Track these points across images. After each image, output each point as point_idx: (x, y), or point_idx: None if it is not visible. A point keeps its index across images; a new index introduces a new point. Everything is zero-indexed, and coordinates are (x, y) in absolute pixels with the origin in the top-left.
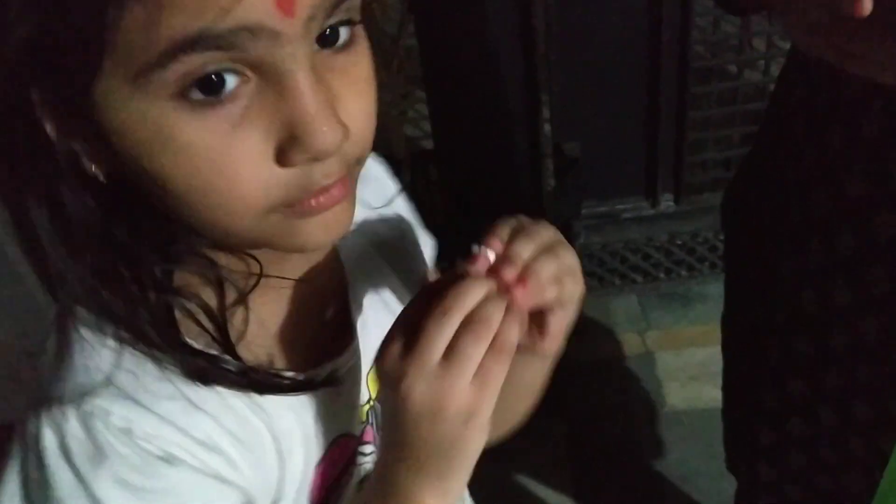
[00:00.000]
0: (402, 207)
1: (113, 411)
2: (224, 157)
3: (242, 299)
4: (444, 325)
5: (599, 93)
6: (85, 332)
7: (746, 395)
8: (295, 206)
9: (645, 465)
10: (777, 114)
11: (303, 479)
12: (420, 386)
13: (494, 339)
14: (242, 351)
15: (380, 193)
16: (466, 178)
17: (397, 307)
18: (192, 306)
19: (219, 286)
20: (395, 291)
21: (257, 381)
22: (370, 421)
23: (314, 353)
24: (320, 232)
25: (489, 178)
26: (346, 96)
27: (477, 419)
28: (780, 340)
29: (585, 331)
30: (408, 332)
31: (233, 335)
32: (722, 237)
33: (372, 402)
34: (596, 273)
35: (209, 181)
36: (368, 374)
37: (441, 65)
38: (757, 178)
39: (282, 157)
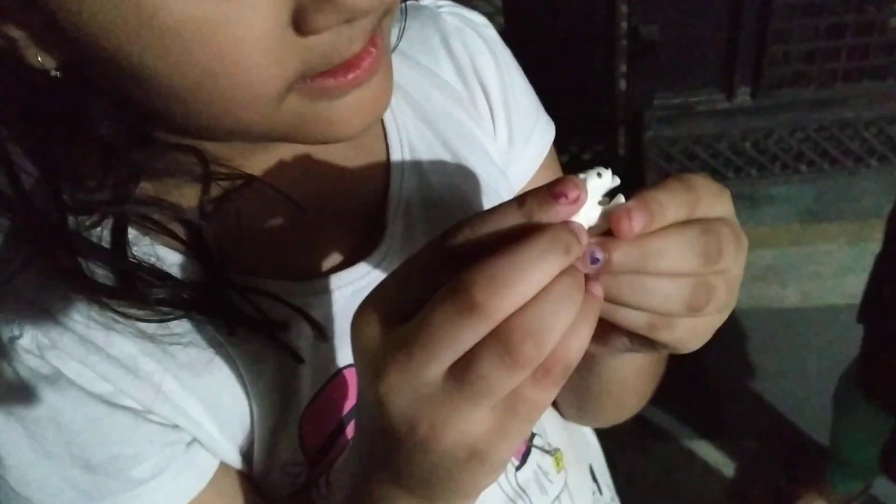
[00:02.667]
0: (513, 86)
1: (2, 312)
2: (223, 32)
3: (228, 195)
4: (464, 324)
5: None
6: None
7: None
8: (316, 79)
9: (705, 361)
10: None
11: (284, 418)
12: (404, 396)
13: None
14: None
15: (471, 58)
16: (535, 58)
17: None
18: (159, 215)
19: (203, 180)
20: (455, 191)
21: (219, 307)
22: None
23: (327, 259)
24: (354, 115)
25: (559, 59)
26: None
27: (488, 459)
28: None
29: None
30: (413, 295)
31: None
32: (798, 135)
33: None
34: (662, 169)
35: (206, 68)
36: None
37: None
38: None
39: (302, 21)
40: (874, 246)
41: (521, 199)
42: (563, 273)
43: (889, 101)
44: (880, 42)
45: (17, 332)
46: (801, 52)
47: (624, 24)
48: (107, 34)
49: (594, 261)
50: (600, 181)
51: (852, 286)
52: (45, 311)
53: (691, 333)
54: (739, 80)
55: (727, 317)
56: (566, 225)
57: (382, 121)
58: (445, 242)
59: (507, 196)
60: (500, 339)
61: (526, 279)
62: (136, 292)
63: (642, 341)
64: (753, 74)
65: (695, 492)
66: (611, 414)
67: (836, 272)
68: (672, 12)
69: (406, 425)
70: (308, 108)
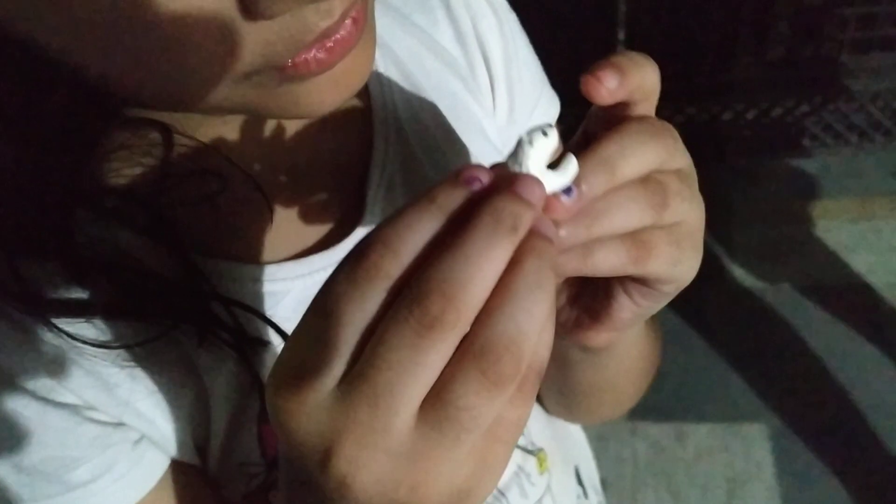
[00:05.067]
0: (516, 52)
1: None
2: (155, 27)
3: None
4: (427, 348)
5: None
6: None
7: None
8: (286, 68)
9: (699, 339)
10: None
11: (242, 414)
12: (375, 468)
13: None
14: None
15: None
16: (532, 22)
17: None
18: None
19: (165, 150)
20: (443, 169)
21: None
22: None
23: (300, 240)
24: (325, 93)
25: (556, 25)
26: None
27: (474, 496)
28: None
29: None
30: (329, 350)
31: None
32: (802, 108)
33: None
34: None
35: (141, 65)
36: None
37: None
38: None
39: (251, 5)
40: (877, 223)
41: (431, 195)
42: (527, 255)
43: None
44: (889, 11)
45: None
46: (807, 22)
47: None
48: (19, 22)
49: (567, 192)
50: (546, 141)
51: (853, 265)
52: None
53: (677, 253)
54: (742, 50)
55: (702, 231)
56: (507, 193)
57: (367, 87)
58: (357, 268)
59: None
60: (474, 361)
61: (479, 275)
62: (111, 303)
63: (639, 290)
64: (756, 45)
65: (686, 474)
66: (608, 410)
67: (837, 250)
68: None
69: (383, 498)
70: (274, 90)
